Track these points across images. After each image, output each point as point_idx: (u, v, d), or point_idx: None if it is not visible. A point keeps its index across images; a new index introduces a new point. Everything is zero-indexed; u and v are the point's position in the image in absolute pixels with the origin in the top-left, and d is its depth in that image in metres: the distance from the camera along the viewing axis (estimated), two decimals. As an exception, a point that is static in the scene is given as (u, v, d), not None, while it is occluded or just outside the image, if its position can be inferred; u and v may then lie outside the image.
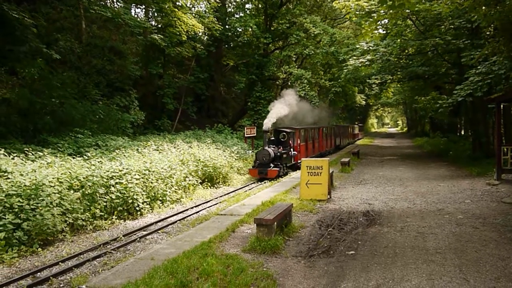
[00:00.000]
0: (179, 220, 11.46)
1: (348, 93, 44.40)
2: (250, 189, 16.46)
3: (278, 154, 19.31)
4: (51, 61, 19.34)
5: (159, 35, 23.46)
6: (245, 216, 9.90)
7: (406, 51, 24.85)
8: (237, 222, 9.34)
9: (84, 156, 13.87)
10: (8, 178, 9.69)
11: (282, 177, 18.90)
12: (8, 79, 18.80)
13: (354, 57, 25.43)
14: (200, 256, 6.91)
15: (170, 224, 10.91)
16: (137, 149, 16.83)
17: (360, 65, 24.89)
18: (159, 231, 10.24)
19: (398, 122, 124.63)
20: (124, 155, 15.04)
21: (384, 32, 25.96)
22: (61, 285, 6.87)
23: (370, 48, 24.03)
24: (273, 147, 19.50)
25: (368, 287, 5.86)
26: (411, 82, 32.96)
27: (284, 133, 21.24)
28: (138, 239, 9.51)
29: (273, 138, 20.98)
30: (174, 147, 18.86)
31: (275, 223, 7.96)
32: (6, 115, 15.55)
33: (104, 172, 11.75)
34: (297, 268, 6.69)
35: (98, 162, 12.92)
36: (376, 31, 26.37)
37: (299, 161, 20.69)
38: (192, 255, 6.94)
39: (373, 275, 6.31)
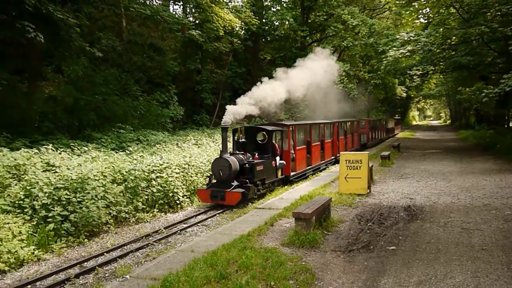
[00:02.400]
0: (218, 213, 11.61)
1: (388, 85, 43.36)
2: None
3: (248, 165, 12.34)
4: (94, 59, 19.99)
5: (197, 31, 23.77)
6: (283, 210, 9.91)
7: (449, 40, 23.95)
8: (275, 216, 9.37)
9: (126, 151, 14.32)
10: (56, 172, 10.16)
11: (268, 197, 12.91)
12: (55, 77, 19.65)
13: (394, 48, 24.80)
14: (239, 249, 6.98)
15: (210, 217, 11.06)
16: (177, 144, 17.18)
17: (400, 56, 24.24)
18: (198, 224, 10.40)
19: (440, 115, 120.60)
20: (165, 150, 15.40)
21: (426, 21, 25.21)
22: (106, 275, 7.13)
23: (411, 38, 23.33)
24: (241, 154, 12.85)
25: (410, 284, 5.74)
26: (455, 72, 31.81)
27: (264, 133, 14.07)
28: (178, 231, 9.70)
29: (243, 140, 13.84)
30: (213, 142, 19.10)
31: (314, 217, 7.92)
32: (53, 112, 16.23)
33: (146, 166, 12.06)
34: (336, 262, 6.63)
35: (140, 156, 13.32)
36: (417, 21, 25.68)
37: (293, 173, 15.24)
38: (231, 248, 7.03)
39: (415, 271, 6.17)
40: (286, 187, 14.29)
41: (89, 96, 17.64)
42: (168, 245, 8.69)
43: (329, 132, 20.41)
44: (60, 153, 11.84)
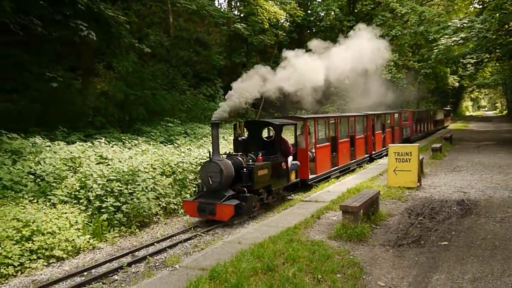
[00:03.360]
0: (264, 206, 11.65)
1: (439, 74, 41.76)
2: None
3: (245, 170, 9.91)
4: (143, 55, 20.58)
5: (242, 24, 23.91)
6: (330, 203, 9.80)
7: (507, 26, 22.62)
8: (322, 209, 9.28)
9: (175, 144, 14.66)
10: (109, 165, 10.59)
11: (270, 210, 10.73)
12: (106, 74, 20.41)
13: (446, 36, 23.78)
14: (286, 241, 6.97)
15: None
16: (223, 137, 17.36)
17: (452, 44, 23.22)
18: (245, 216, 10.49)
19: (496, 105, 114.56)
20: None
21: (480, 6, 23.93)
22: (157, 264, 7.35)
23: (464, 25, 22.25)
24: (240, 156, 10.33)
25: (464, 281, 5.51)
26: (512, 60, 30.07)
27: (271, 128, 12.00)
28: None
29: (243, 138, 11.37)
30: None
31: (362, 210, 7.78)
32: (105, 107, 16.89)
33: (193, 159, 12.29)
34: (385, 257, 6.49)
35: (187, 149, 13.60)
36: (471, 6, 24.46)
37: (312, 176, 12.92)
38: (278, 240, 7.04)
39: (469, 268, 5.92)
40: (332, 179, 14.05)
41: (139, 91, 18.20)
42: (215, 236, 8.84)
43: (362, 126, 17.83)
44: (112, 146, 12.33)
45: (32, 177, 9.25)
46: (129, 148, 12.84)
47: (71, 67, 17.69)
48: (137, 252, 7.98)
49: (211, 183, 9.49)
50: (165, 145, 14.32)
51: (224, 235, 8.92)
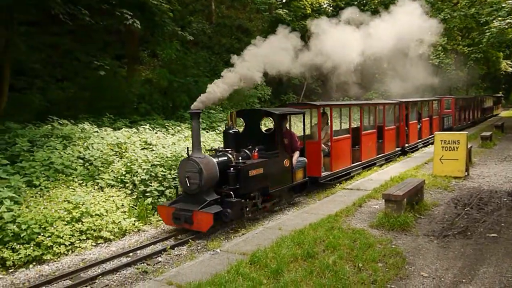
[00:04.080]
0: (305, 193, 11.61)
1: (491, 59, 39.72)
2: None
3: (233, 170, 8.23)
4: (186, 43, 20.84)
5: (284, 10, 23.68)
6: (372, 191, 9.64)
7: None
8: (364, 197, 9.15)
9: (216, 130, 14.82)
10: (153, 150, 10.87)
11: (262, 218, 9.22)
12: (150, 61, 20.86)
13: (499, 18, 22.49)
14: (326, 229, 6.93)
15: (296, 196, 11.10)
16: (264, 123, 17.35)
17: (506, 26, 21.94)
18: (285, 203, 10.50)
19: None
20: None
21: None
22: (199, 248, 7.52)
23: (521, 5, 20.98)
24: (229, 152, 8.61)
25: (514, 274, 5.29)
26: None
27: (271, 118, 10.20)
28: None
29: (235, 130, 9.25)
30: (299, 121, 19.02)
31: (405, 199, 7.60)
32: (150, 94, 17.29)
33: (234, 145, 12.39)
34: (429, 247, 6.32)
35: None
36: (528, -14, 22.94)
37: (325, 173, 11.15)
38: (318, 228, 7.01)
39: (520, 261, 5.67)
40: (375, 167, 13.74)
41: (182, 78, 18.50)
42: (256, 222, 8.91)
43: (393, 115, 15.80)
44: (156, 133, 12.65)
45: (81, 161, 9.66)
46: (172, 134, 13.13)
47: (117, 55, 18.21)
48: (179, 236, 8.18)
49: (188, 185, 8.02)
50: (207, 132, 14.52)
51: (264, 221, 8.99)
